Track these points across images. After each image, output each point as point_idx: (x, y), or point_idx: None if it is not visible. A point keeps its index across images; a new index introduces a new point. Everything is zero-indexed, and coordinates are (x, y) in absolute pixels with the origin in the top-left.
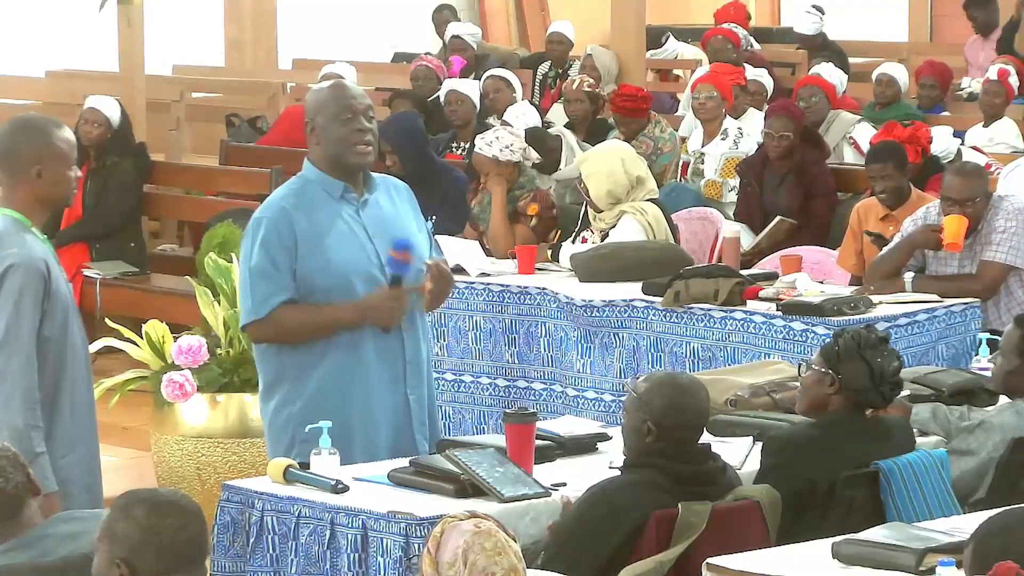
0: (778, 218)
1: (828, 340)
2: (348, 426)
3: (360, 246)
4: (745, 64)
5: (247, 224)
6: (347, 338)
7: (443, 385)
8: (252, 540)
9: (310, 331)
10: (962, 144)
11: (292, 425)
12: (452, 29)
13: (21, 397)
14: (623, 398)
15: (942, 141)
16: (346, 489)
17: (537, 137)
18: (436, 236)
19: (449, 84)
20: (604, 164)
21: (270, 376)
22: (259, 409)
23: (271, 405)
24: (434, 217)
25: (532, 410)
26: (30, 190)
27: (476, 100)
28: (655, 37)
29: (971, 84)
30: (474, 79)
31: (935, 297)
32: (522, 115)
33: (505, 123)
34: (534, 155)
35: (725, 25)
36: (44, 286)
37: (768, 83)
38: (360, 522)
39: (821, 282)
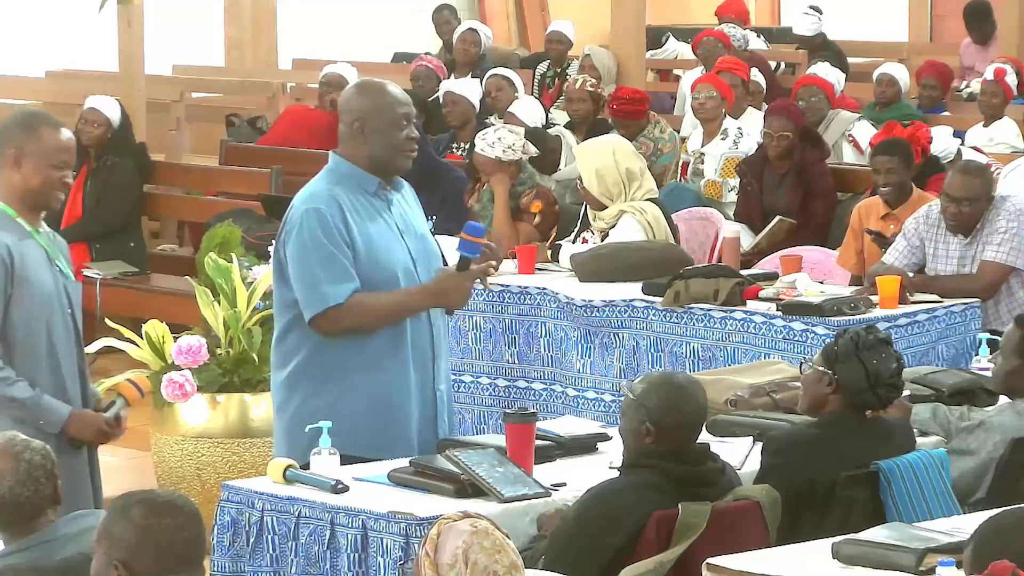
0: (778, 218)
1: (829, 340)
2: (385, 421)
3: (397, 241)
4: None
5: (298, 216)
6: (388, 333)
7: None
8: (252, 540)
9: (385, 317)
10: (962, 144)
11: (321, 419)
12: (468, 24)
13: None
14: (623, 398)
15: (942, 141)
16: (346, 489)
17: (537, 137)
18: (436, 236)
19: (446, 85)
20: (595, 154)
21: (296, 368)
22: (276, 400)
23: (296, 398)
24: (434, 217)
25: (532, 410)
26: (8, 180)
27: (475, 100)
28: (655, 37)
29: (971, 84)
30: (472, 78)
31: (935, 297)
32: (527, 110)
33: (511, 115)
34: (532, 149)
35: (721, 25)
36: (6, 271)
37: (761, 82)
38: (360, 522)
39: (821, 282)
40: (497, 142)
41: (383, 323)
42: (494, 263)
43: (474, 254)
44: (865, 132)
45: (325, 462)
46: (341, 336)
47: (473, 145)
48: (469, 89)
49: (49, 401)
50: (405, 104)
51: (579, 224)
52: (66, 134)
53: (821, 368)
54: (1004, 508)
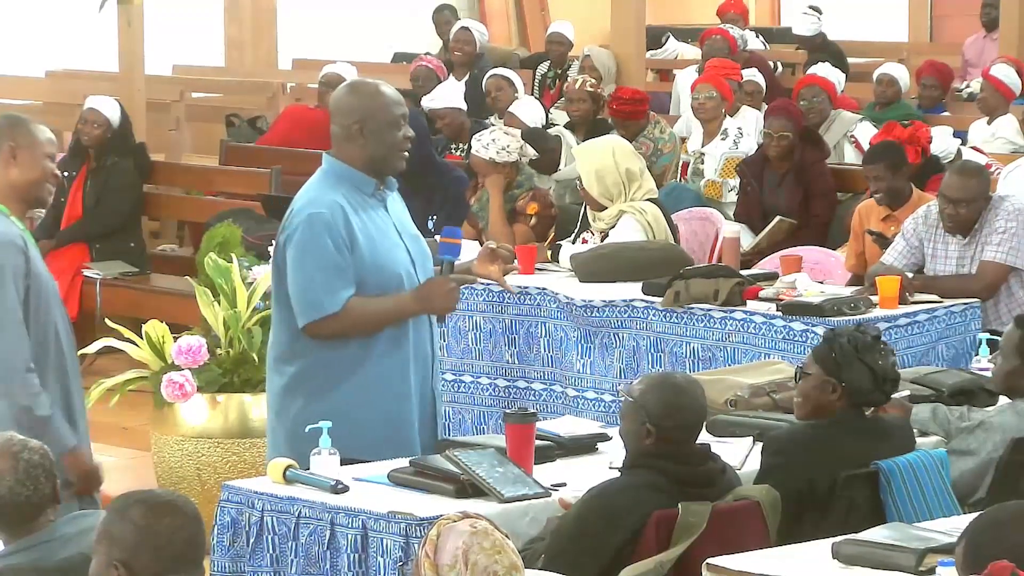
0: (778, 218)
1: (819, 342)
2: (391, 424)
3: (397, 241)
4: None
5: (299, 221)
6: (390, 334)
7: (443, 385)
8: (252, 540)
9: (377, 322)
10: (962, 144)
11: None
12: (462, 23)
13: (17, 368)
14: (622, 400)
15: (942, 141)
16: (346, 489)
17: (537, 137)
18: (436, 236)
19: (426, 103)
20: (595, 155)
21: (298, 373)
22: (276, 404)
23: (298, 402)
24: (434, 216)
25: (532, 410)
26: (4, 177)
27: (458, 103)
28: (655, 37)
29: (971, 84)
30: (454, 80)
31: (935, 297)
32: (527, 110)
33: (511, 115)
34: (531, 151)
35: (724, 25)
36: (24, 261)
37: (760, 82)
38: (360, 522)
39: (821, 282)
40: (491, 143)
41: (373, 330)
42: (515, 267)
43: (455, 256)
44: (867, 133)
45: (325, 462)
46: (338, 341)
47: (471, 145)
48: (449, 97)
49: (59, 425)
50: (400, 104)
51: (579, 224)
52: (49, 131)
53: (823, 376)
54: (997, 505)
